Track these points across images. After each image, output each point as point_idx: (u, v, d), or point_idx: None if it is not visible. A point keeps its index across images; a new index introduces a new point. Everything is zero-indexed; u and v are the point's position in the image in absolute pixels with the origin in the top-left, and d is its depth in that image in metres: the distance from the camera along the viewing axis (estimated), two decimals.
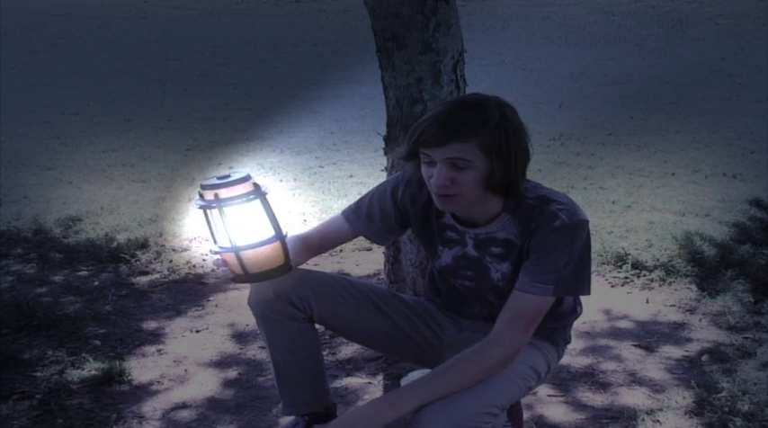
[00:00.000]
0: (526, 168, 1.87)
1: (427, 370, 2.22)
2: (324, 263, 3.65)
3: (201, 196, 1.85)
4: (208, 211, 1.85)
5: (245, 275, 1.89)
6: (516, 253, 1.91)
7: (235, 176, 1.85)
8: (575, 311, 2.11)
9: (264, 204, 1.86)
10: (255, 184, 1.87)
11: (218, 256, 1.92)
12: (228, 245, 1.85)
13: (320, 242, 2.13)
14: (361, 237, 2.16)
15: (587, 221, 1.87)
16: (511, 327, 1.85)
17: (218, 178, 1.85)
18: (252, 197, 1.84)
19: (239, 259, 1.85)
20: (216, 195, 1.82)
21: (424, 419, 1.78)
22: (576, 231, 1.84)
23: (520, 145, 1.83)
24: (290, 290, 2.05)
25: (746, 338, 2.95)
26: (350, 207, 2.13)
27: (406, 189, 2.02)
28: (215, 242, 1.89)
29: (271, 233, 1.87)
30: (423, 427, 1.77)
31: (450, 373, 1.83)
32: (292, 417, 2.21)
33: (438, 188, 1.82)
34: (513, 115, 1.84)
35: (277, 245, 1.89)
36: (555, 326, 2.04)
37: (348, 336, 2.28)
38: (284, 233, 1.91)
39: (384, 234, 2.13)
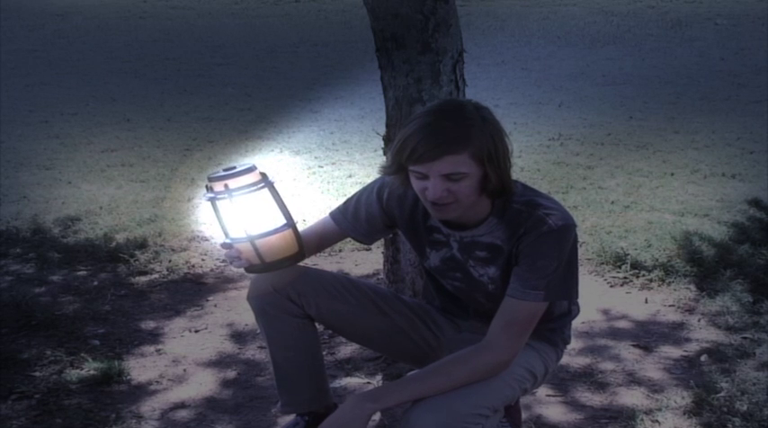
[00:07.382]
0: (511, 164, 1.88)
1: None
2: (323, 263, 3.65)
3: (210, 189, 1.86)
4: (218, 203, 1.86)
5: (261, 264, 1.90)
6: (504, 258, 1.90)
7: (241, 167, 1.86)
8: (569, 312, 2.11)
9: (273, 193, 1.88)
10: (262, 174, 1.89)
11: (228, 250, 1.92)
12: (243, 235, 1.86)
13: (310, 242, 2.12)
14: None
15: (575, 225, 1.88)
16: (504, 333, 1.86)
17: (225, 170, 1.87)
18: (261, 186, 1.86)
19: (255, 248, 1.86)
20: (226, 185, 1.83)
21: (412, 417, 1.78)
22: (563, 236, 1.85)
23: (504, 144, 1.83)
24: (289, 286, 2.06)
25: (745, 338, 2.95)
26: (338, 207, 2.14)
27: (392, 191, 2.02)
28: (226, 235, 1.90)
29: (282, 221, 1.89)
30: (411, 425, 1.77)
31: (440, 373, 1.83)
32: (293, 417, 2.21)
33: (436, 199, 1.81)
34: (491, 116, 1.84)
35: (289, 232, 1.90)
36: (552, 327, 2.04)
37: (346, 335, 2.28)
38: (295, 221, 1.92)
39: (370, 234, 2.13)
